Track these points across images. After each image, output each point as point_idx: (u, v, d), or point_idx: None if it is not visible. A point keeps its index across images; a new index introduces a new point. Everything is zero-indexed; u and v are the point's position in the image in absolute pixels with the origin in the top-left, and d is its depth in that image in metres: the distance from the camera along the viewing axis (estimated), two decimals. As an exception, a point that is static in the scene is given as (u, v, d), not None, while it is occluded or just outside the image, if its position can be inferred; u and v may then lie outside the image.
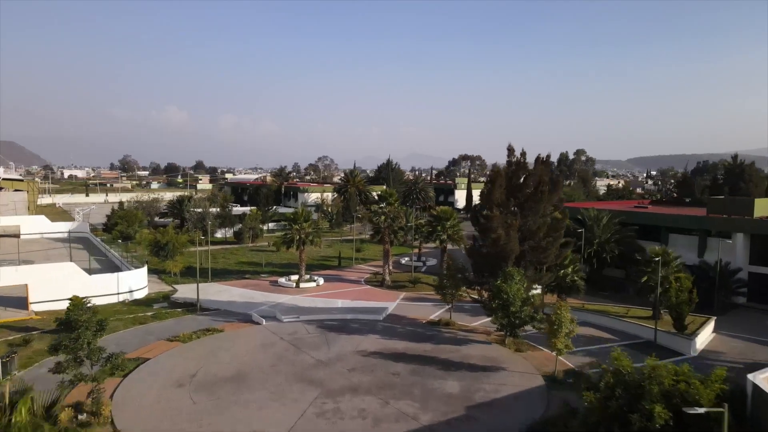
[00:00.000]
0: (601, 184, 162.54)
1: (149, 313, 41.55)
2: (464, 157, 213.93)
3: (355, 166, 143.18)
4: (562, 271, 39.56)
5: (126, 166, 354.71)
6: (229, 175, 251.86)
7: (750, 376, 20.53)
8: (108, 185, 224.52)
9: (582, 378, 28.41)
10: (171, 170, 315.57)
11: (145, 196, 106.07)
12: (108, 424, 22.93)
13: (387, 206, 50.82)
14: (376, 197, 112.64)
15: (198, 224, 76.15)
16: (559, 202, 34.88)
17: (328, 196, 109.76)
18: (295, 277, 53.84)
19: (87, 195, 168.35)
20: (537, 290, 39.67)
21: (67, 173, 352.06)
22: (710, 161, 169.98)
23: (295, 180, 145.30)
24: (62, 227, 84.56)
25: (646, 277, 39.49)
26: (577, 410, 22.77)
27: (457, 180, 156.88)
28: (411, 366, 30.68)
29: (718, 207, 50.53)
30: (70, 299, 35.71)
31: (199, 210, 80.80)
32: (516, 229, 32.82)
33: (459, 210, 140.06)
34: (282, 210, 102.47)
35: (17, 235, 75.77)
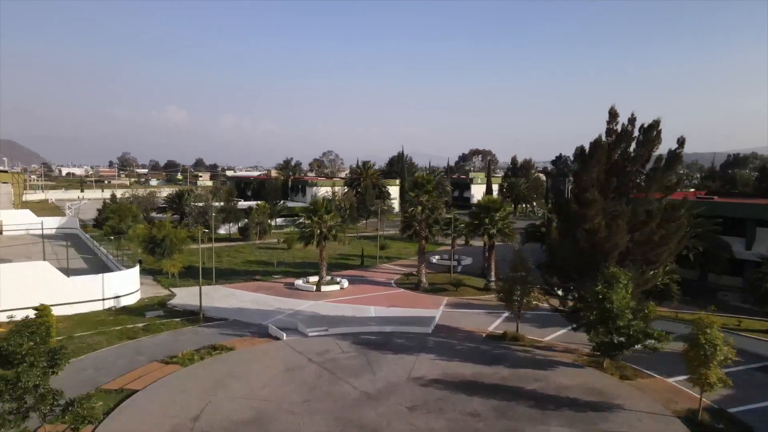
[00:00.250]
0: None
1: (140, 325, 33.50)
2: (475, 152, 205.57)
3: (358, 162, 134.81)
4: (653, 273, 31.47)
5: (124, 164, 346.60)
6: (229, 173, 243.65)
7: None
8: (106, 182, 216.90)
9: (737, 423, 20.45)
10: (170, 167, 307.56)
11: (140, 191, 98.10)
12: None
13: (424, 195, 42.81)
14: (389, 192, 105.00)
15: (199, 219, 68.09)
16: (674, 183, 26.75)
17: (339, 190, 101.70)
18: (314, 279, 45.83)
19: (82, 191, 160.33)
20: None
21: (65, 171, 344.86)
22: (715, 159, 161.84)
23: (303, 174, 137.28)
24: (50, 223, 76.54)
25: None
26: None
27: (472, 175, 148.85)
28: (491, 402, 22.57)
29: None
30: (36, 308, 27.96)
31: (201, 204, 72.76)
32: (625, 217, 24.72)
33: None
34: (291, 204, 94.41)
35: (-3, 231, 67.77)
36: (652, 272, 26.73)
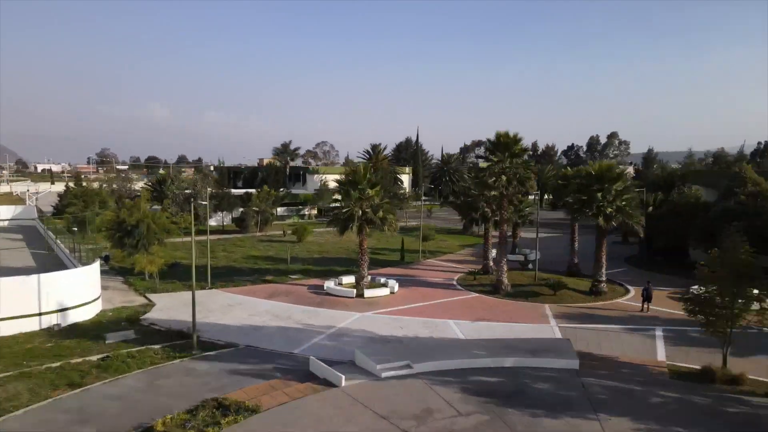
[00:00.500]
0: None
1: (95, 357, 20.48)
2: (478, 144, 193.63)
3: (346, 158, 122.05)
4: None
5: (103, 159, 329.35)
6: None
7: None
8: (83, 176, 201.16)
9: None
10: (151, 163, 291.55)
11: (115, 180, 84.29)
12: None
13: (508, 159, 30.09)
14: (401, 180, 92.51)
15: (185, 206, 54.83)
16: None
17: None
18: (349, 280, 33.13)
19: (52, 183, 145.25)
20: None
21: (41, 167, 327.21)
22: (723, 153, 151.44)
23: (307, 160, 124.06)
24: (2, 213, 62.93)
25: None
26: None
27: (483, 164, 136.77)
28: None
29: None
30: None
31: (187, 190, 59.41)
32: None
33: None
34: (296, 192, 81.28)
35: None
36: None
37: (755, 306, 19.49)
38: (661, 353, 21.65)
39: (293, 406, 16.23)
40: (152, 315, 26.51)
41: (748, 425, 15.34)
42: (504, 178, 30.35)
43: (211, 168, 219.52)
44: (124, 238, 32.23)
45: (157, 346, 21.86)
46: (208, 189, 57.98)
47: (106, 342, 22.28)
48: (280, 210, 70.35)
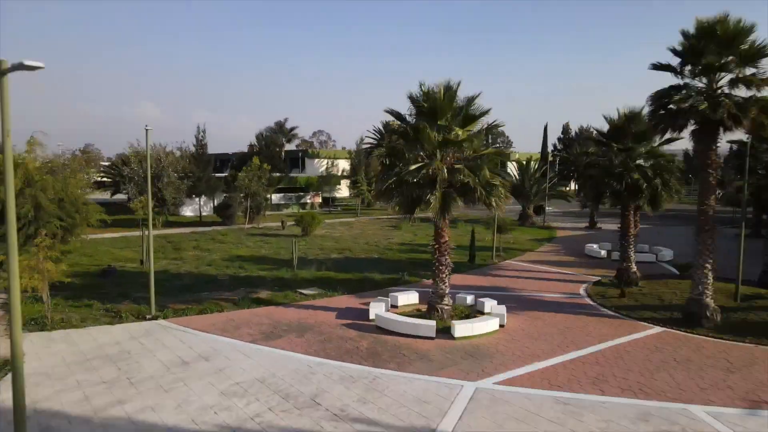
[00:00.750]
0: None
1: None
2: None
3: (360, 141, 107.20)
4: None
5: (87, 156, 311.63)
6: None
7: None
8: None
9: None
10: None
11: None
12: None
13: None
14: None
15: (143, 187, 39.96)
16: None
17: (342, 163, 74.12)
18: (408, 298, 18.43)
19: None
20: None
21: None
22: None
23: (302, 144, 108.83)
24: None
25: None
26: None
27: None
28: None
29: None
30: None
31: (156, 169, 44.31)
32: None
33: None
34: (295, 176, 66.25)
35: None
36: None
37: None
38: None
39: None
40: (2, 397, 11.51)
41: None
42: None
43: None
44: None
45: None
46: (179, 166, 42.90)
47: None
48: (275, 198, 55.43)
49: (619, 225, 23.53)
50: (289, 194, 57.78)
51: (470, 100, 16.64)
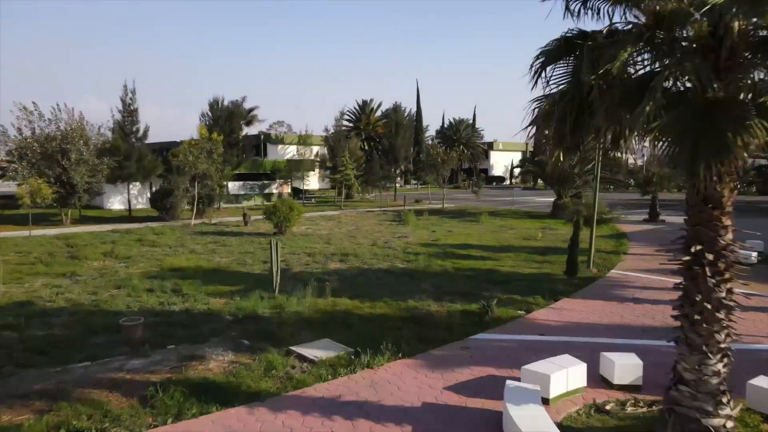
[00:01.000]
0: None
1: None
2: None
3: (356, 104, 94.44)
4: None
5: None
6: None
7: None
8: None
9: None
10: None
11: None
12: None
13: None
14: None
15: (41, 166, 27.84)
16: None
17: (314, 150, 62.49)
18: (569, 378, 7.41)
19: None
20: None
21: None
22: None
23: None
24: None
25: None
26: None
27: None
28: None
29: None
30: None
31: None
32: None
33: (498, 178, 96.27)
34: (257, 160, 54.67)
35: None
36: None
37: None
38: None
39: None
40: None
41: None
42: None
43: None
44: None
45: None
46: (98, 140, 30.89)
47: None
48: (233, 187, 43.82)
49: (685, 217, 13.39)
50: (251, 182, 46.17)
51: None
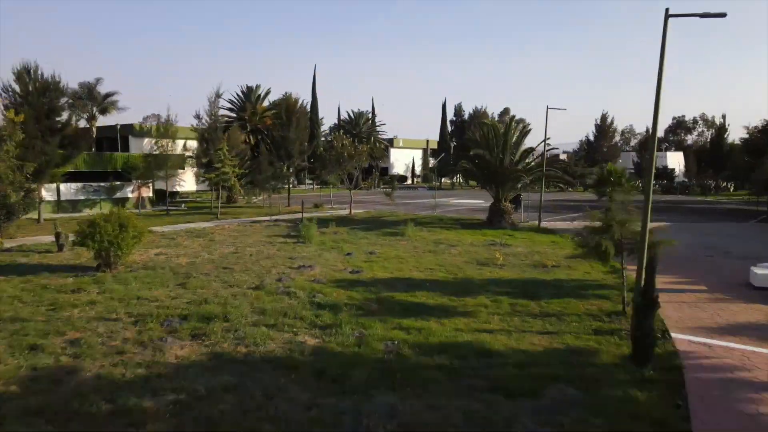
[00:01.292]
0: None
1: None
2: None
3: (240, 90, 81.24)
4: None
5: None
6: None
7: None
8: None
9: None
10: None
11: None
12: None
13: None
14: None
15: None
16: None
17: (184, 144, 51.03)
18: None
19: None
20: None
21: None
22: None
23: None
24: None
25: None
26: None
27: (387, 134, 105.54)
28: None
29: None
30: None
31: None
32: None
33: (400, 177, 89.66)
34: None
35: None
36: None
37: None
38: None
39: None
40: None
41: None
42: None
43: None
44: None
45: None
46: None
47: None
48: (67, 190, 32.54)
49: None
50: (96, 184, 34.89)
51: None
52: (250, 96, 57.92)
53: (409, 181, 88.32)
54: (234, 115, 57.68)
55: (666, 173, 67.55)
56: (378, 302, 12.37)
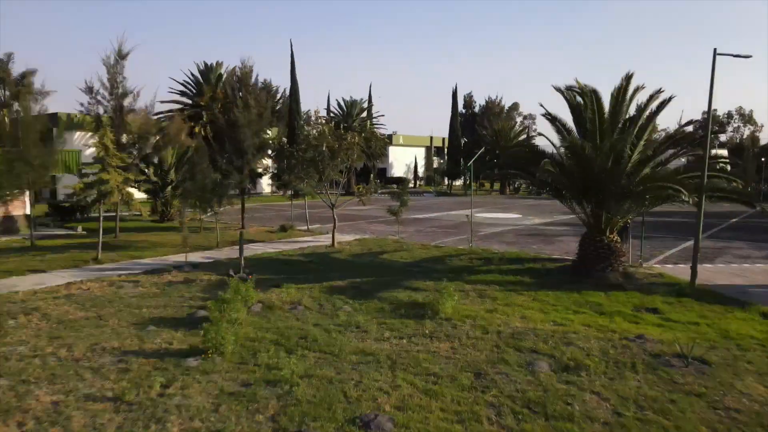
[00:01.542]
0: None
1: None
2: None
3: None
4: None
5: None
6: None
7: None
8: None
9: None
10: None
11: None
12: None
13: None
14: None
15: None
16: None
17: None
18: None
19: None
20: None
21: None
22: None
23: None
24: None
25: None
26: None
27: (384, 129, 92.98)
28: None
29: None
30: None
31: None
32: None
33: (400, 180, 77.08)
34: None
35: None
36: None
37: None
38: None
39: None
40: None
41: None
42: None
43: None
44: None
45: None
46: None
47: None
48: None
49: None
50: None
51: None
52: (208, 77, 45.15)
53: (411, 184, 75.64)
54: (189, 101, 44.98)
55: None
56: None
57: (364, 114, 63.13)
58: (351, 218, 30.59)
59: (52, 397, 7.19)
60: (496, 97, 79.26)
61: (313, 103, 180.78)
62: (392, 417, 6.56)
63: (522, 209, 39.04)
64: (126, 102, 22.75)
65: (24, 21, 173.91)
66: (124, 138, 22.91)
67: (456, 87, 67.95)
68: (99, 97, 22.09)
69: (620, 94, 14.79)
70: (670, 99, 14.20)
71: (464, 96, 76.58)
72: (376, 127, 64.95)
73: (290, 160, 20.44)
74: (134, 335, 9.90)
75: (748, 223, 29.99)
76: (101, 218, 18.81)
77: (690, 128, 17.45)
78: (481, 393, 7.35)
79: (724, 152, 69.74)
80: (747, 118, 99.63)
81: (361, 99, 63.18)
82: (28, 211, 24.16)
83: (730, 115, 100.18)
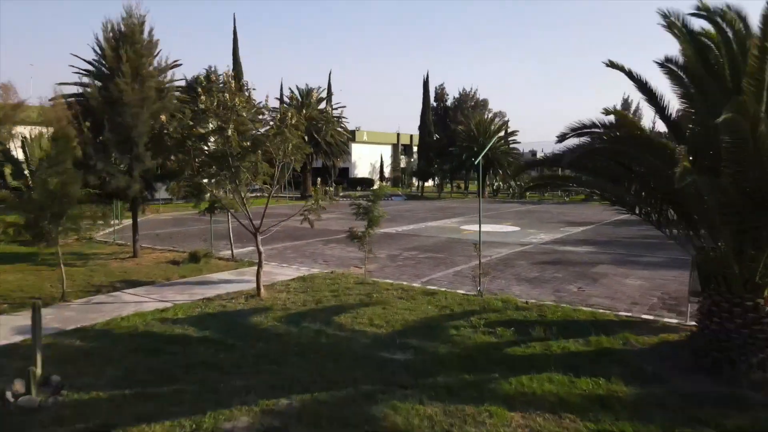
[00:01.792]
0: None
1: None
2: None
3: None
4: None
5: None
6: None
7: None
8: None
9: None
10: None
11: None
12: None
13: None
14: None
15: None
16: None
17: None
18: None
19: None
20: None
21: None
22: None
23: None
24: None
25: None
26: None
27: (347, 124, 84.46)
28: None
29: None
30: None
31: None
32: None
33: (365, 181, 69.72)
34: None
35: None
36: None
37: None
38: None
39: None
40: None
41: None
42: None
43: None
44: None
45: None
46: None
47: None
48: None
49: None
50: None
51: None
52: (118, 37, 36.31)
53: (377, 185, 68.07)
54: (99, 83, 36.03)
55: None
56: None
57: (323, 105, 55.18)
58: (300, 235, 22.81)
59: None
60: (471, 89, 72.57)
61: (262, 94, 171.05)
62: None
63: (515, 218, 32.01)
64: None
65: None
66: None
67: (427, 75, 60.44)
68: None
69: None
70: None
71: (436, 88, 69.48)
72: (338, 120, 57.07)
73: (186, 153, 12.46)
74: None
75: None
76: None
77: None
78: None
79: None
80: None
81: (319, 87, 55.17)
82: None
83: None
